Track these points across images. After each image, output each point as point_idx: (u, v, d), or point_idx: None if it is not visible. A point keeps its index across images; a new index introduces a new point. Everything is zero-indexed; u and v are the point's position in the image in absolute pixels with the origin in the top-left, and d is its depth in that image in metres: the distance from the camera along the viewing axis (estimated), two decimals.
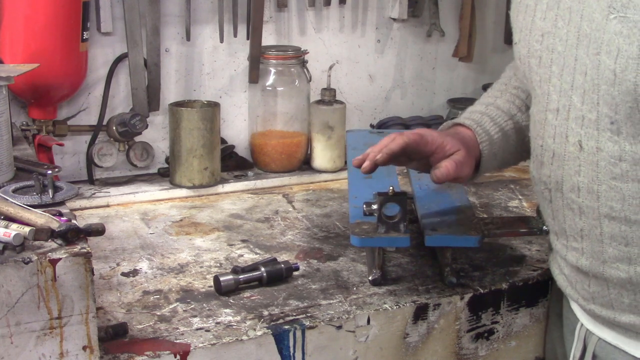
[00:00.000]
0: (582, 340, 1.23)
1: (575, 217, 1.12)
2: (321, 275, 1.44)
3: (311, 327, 1.25)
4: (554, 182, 1.15)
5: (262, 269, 1.37)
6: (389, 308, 1.32)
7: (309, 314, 1.28)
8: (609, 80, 1.01)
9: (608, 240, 1.08)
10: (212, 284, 1.38)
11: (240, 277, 1.35)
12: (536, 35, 1.14)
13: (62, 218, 1.12)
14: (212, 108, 1.86)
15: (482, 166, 1.35)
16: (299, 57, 1.99)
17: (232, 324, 1.25)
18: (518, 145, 1.38)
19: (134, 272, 1.44)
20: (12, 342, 1.04)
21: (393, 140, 1.26)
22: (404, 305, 1.33)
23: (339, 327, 1.27)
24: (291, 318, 1.27)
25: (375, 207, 1.32)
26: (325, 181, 2.00)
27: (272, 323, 1.25)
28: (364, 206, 1.37)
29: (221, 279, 1.34)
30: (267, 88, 1.98)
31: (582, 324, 1.23)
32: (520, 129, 1.37)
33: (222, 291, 1.34)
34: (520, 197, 1.89)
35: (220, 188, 1.89)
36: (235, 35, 1.94)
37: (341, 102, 2.03)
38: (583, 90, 1.06)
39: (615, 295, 1.11)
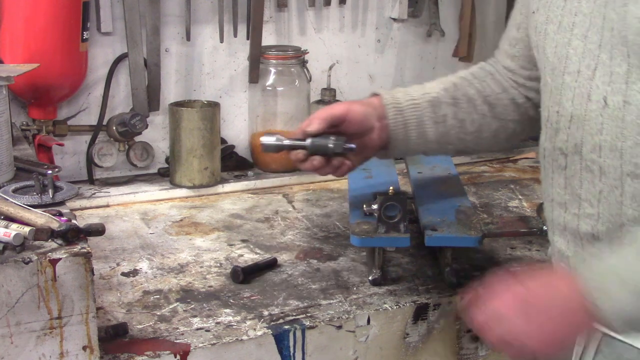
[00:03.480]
0: (584, 336, 1.22)
1: (595, 178, 1.11)
2: (321, 275, 1.44)
3: (311, 327, 1.25)
4: (572, 145, 1.14)
5: (309, 140, 1.32)
6: (389, 308, 1.32)
7: (309, 314, 1.28)
8: (636, 29, 1.02)
9: (629, 201, 1.08)
10: (212, 284, 1.38)
11: (285, 142, 1.33)
12: (558, 1, 1.17)
13: (62, 218, 1.12)
14: (212, 108, 1.86)
15: (391, 133, 1.38)
16: (299, 57, 1.99)
17: (232, 324, 1.25)
18: (436, 117, 1.39)
19: (134, 272, 1.44)
20: (12, 342, 1.04)
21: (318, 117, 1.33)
22: (404, 305, 1.33)
23: (339, 327, 1.27)
24: (291, 318, 1.27)
25: (375, 207, 1.33)
26: (325, 181, 2.00)
27: (272, 323, 1.25)
28: (364, 206, 1.37)
29: (263, 139, 1.34)
30: (267, 88, 1.98)
31: None
32: (439, 102, 1.39)
33: (263, 150, 1.35)
34: (520, 197, 1.88)
35: (220, 188, 1.89)
36: (235, 35, 1.94)
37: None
38: (611, 46, 1.07)
39: None
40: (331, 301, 1.33)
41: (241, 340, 1.21)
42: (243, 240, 1.60)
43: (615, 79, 1.07)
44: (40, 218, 1.10)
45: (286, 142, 1.32)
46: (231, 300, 1.33)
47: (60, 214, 1.15)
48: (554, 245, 1.23)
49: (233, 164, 1.99)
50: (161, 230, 1.65)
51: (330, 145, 1.29)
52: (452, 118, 1.38)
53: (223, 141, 1.97)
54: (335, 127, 1.33)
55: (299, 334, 1.24)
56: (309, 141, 1.30)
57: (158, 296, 1.35)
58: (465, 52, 2.23)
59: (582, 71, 1.12)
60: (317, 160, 1.32)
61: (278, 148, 1.34)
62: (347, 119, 1.33)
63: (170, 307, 1.31)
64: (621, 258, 1.04)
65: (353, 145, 1.31)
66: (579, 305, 1.02)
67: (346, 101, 1.37)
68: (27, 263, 1.02)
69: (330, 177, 1.98)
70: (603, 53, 1.09)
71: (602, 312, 1.01)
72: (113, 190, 1.84)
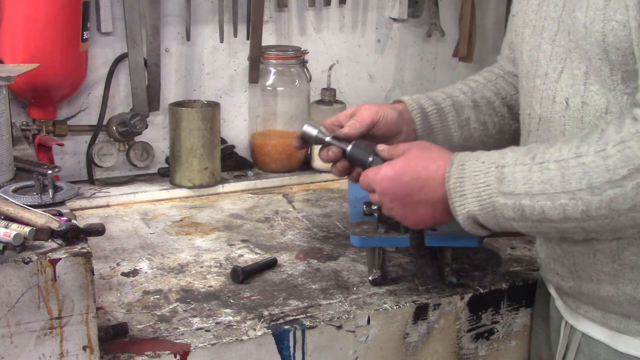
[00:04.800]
0: (566, 337, 1.23)
1: None
2: (321, 275, 1.44)
3: (311, 327, 1.25)
4: None
5: (350, 146, 1.28)
6: (389, 308, 1.32)
7: (309, 314, 1.28)
8: (582, 35, 1.05)
9: None
10: (212, 284, 1.38)
11: (326, 139, 1.29)
12: (533, 5, 1.20)
13: (62, 218, 1.12)
14: (212, 108, 1.86)
15: (418, 139, 1.36)
16: (299, 57, 1.99)
17: (232, 324, 1.25)
18: (459, 121, 1.40)
19: (134, 272, 1.44)
20: (12, 342, 1.04)
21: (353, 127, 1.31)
22: (404, 305, 1.33)
23: (339, 327, 1.27)
24: (291, 318, 1.27)
25: (375, 207, 1.32)
26: (325, 181, 2.00)
27: (272, 323, 1.25)
28: (364, 206, 1.37)
29: (306, 127, 1.30)
30: (267, 88, 1.98)
31: (565, 322, 1.24)
32: (461, 106, 1.39)
33: (301, 136, 1.31)
34: None
35: (220, 188, 1.89)
36: (235, 35, 1.95)
37: (341, 102, 2.03)
38: (573, 48, 1.09)
39: (599, 264, 1.12)
40: (331, 301, 1.33)
41: (241, 340, 1.21)
42: (243, 240, 1.60)
43: (576, 81, 1.10)
44: (40, 218, 1.10)
45: (327, 139, 1.29)
46: (231, 300, 1.33)
47: (60, 214, 1.15)
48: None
49: (233, 164, 2.00)
50: (161, 230, 1.65)
51: (370, 159, 1.25)
52: (474, 121, 1.39)
53: (223, 141, 1.97)
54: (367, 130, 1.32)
55: (299, 334, 1.24)
56: (350, 147, 1.27)
57: (158, 296, 1.35)
58: (465, 52, 2.23)
59: (549, 74, 1.14)
60: (343, 166, 1.30)
61: (317, 141, 1.31)
62: (381, 123, 1.32)
63: (170, 307, 1.31)
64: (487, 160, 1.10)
65: None
66: (443, 205, 1.14)
67: (374, 104, 1.35)
68: (27, 263, 1.02)
69: (330, 177, 2.00)
70: (568, 56, 1.11)
71: (456, 213, 1.12)
72: (113, 190, 1.84)
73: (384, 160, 1.23)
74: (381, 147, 1.25)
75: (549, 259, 1.22)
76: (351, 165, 1.30)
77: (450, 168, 1.13)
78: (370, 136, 1.32)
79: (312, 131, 1.30)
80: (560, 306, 1.26)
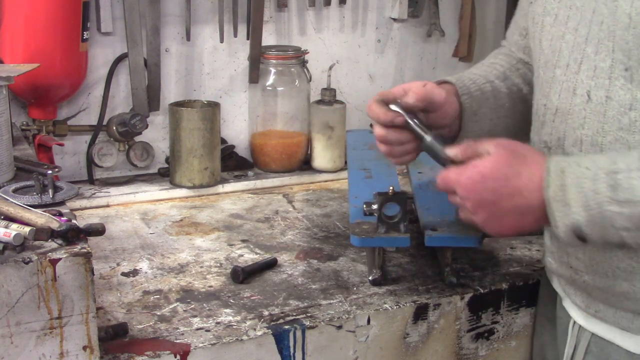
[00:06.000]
0: (575, 337, 1.23)
1: None
2: (321, 275, 1.44)
3: (311, 327, 1.25)
4: (555, 139, 1.15)
5: (430, 137, 1.21)
6: (389, 308, 1.32)
7: (309, 314, 1.28)
8: (624, 25, 1.02)
9: None
10: (212, 284, 1.38)
11: (410, 123, 1.22)
12: None
13: (62, 218, 1.12)
14: (212, 108, 1.86)
15: (464, 117, 1.32)
16: (299, 57, 1.99)
17: (232, 324, 1.25)
18: (496, 108, 1.36)
19: (134, 272, 1.44)
20: (12, 342, 1.04)
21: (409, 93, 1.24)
22: (404, 305, 1.33)
23: (339, 327, 1.27)
24: (291, 318, 1.27)
25: (375, 207, 1.32)
26: (325, 181, 2.00)
27: (272, 323, 1.25)
28: (364, 206, 1.37)
29: (392, 105, 1.22)
30: (267, 88, 1.98)
31: (574, 322, 1.23)
32: (499, 93, 1.36)
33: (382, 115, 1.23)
34: None
35: (220, 188, 1.89)
36: (235, 35, 1.95)
37: (341, 102, 2.03)
38: (597, 40, 1.07)
39: (615, 260, 1.11)
40: (331, 301, 1.33)
41: (241, 340, 1.21)
42: (243, 240, 1.60)
43: (599, 74, 1.07)
44: (40, 218, 1.10)
45: (411, 124, 1.22)
46: (231, 300, 1.33)
47: (60, 214, 1.15)
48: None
49: (233, 164, 2.00)
50: (161, 230, 1.65)
51: (443, 157, 1.18)
52: (508, 108, 1.35)
53: (223, 141, 1.97)
54: (422, 110, 1.25)
55: (299, 334, 1.24)
56: (429, 138, 1.21)
57: (158, 296, 1.35)
58: (465, 52, 2.23)
59: (570, 65, 1.12)
60: (398, 138, 1.24)
61: (404, 125, 1.22)
62: (442, 109, 1.26)
63: (170, 307, 1.31)
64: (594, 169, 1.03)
65: None
66: (534, 215, 1.07)
67: (430, 83, 1.27)
68: (27, 263, 1.02)
69: (330, 177, 2.00)
70: (589, 47, 1.09)
71: (556, 224, 1.05)
72: (113, 190, 1.84)
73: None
74: (452, 152, 1.16)
75: (563, 252, 1.19)
76: (410, 142, 1.23)
77: (548, 175, 1.05)
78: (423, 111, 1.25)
79: (398, 109, 1.21)
80: (569, 305, 1.25)
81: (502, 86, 1.36)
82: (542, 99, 1.19)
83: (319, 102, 2.01)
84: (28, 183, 1.26)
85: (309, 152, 2.03)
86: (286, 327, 1.24)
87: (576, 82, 1.11)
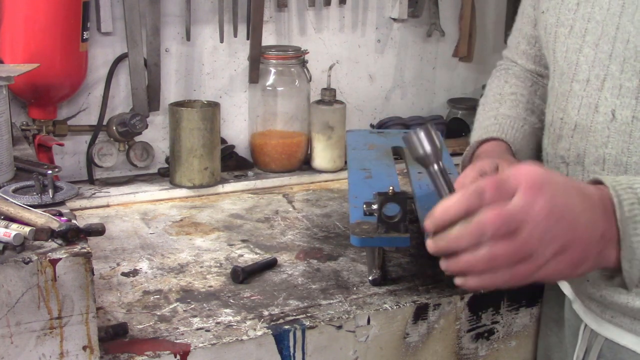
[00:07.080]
0: (586, 340, 1.22)
1: None
2: (321, 275, 1.44)
3: (311, 327, 1.25)
4: (574, 155, 1.13)
5: None
6: (389, 308, 1.32)
7: (309, 314, 1.28)
8: None
9: None
10: (212, 284, 1.37)
11: None
12: (570, 4, 1.14)
13: (62, 218, 1.12)
14: (212, 108, 1.86)
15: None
16: (299, 57, 1.99)
17: (232, 324, 1.25)
18: (534, 145, 1.36)
19: (134, 272, 1.44)
20: (12, 342, 1.04)
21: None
22: (404, 305, 1.33)
23: (339, 327, 1.27)
24: (291, 318, 1.27)
25: (375, 207, 1.32)
26: (325, 181, 2.00)
27: (272, 323, 1.25)
28: (364, 206, 1.37)
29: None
30: (267, 88, 1.98)
31: (585, 325, 1.22)
32: (534, 130, 1.35)
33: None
34: None
35: (220, 188, 1.89)
36: (235, 35, 1.95)
37: (341, 102, 2.03)
38: (623, 59, 1.05)
39: None
40: (331, 301, 1.33)
41: (241, 340, 1.21)
42: (243, 240, 1.60)
43: (625, 93, 1.05)
44: (40, 218, 1.10)
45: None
46: (231, 300, 1.33)
47: (60, 214, 1.15)
48: None
49: (233, 164, 2.00)
50: (161, 230, 1.65)
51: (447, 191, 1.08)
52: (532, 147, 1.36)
53: (223, 141, 1.97)
54: None
55: (299, 334, 1.24)
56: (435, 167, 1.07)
57: (158, 296, 1.35)
58: (465, 52, 2.23)
59: (592, 80, 1.09)
60: None
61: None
62: None
63: (170, 307, 1.31)
64: None
65: None
66: (602, 244, 0.89)
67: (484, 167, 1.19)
68: (27, 263, 1.02)
69: (330, 177, 2.00)
70: (613, 64, 1.06)
71: (626, 274, 0.90)
72: (113, 190, 1.84)
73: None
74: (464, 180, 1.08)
75: None
76: None
77: (615, 192, 0.90)
78: None
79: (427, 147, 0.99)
80: (580, 309, 1.23)
81: (535, 122, 1.35)
82: (558, 112, 1.17)
83: (319, 102, 2.01)
84: (28, 183, 1.26)
85: (309, 152, 2.03)
86: (286, 327, 1.24)
87: (599, 99, 1.08)
